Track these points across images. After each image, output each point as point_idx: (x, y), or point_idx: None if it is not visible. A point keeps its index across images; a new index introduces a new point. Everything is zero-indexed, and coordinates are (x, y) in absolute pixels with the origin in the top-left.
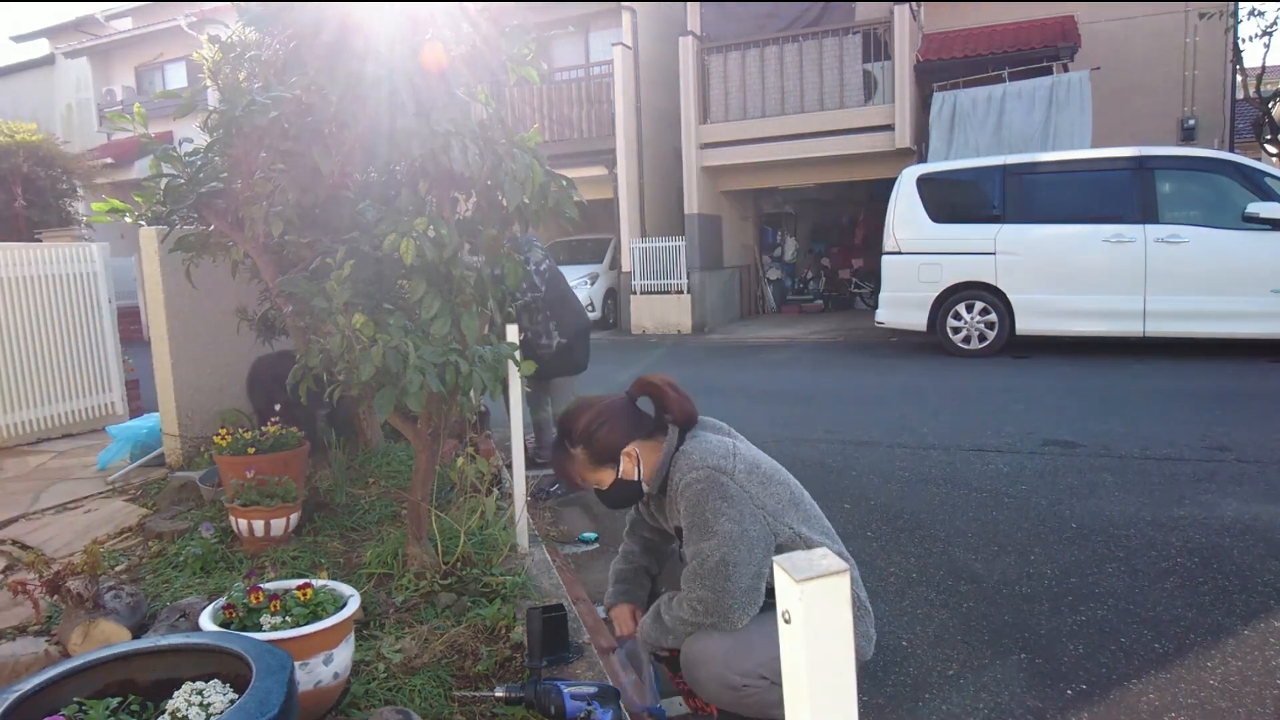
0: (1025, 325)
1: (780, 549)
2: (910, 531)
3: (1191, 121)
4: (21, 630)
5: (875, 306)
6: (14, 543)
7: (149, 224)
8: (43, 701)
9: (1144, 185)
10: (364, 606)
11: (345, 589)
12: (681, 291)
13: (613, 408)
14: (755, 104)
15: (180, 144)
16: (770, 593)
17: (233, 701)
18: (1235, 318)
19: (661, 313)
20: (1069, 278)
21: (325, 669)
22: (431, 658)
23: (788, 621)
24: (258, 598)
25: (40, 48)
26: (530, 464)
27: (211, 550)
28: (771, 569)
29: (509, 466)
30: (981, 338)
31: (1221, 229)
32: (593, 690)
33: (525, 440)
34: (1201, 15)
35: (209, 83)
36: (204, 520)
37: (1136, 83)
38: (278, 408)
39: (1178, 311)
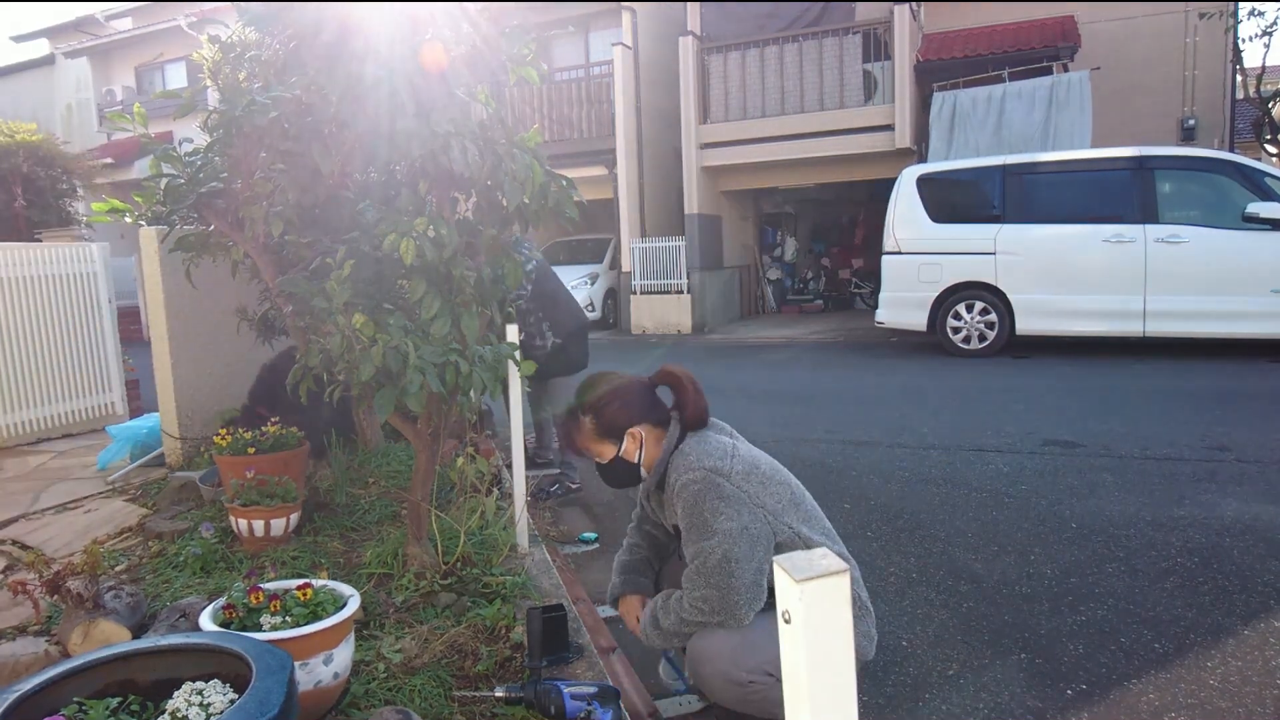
0: (1025, 325)
1: (780, 549)
2: (910, 531)
3: (1191, 121)
4: (21, 630)
5: (875, 306)
6: (14, 543)
7: (149, 224)
8: (43, 701)
9: (1144, 185)
10: (364, 606)
11: (345, 589)
12: (681, 291)
13: (630, 387)
14: (755, 104)
15: (180, 144)
16: (773, 591)
17: (233, 702)
18: (1235, 318)
19: (661, 313)
20: (1069, 278)
21: (325, 669)
22: (431, 658)
23: (788, 621)
24: (258, 598)
25: (40, 48)
26: (530, 464)
27: (211, 550)
28: (771, 568)
29: (509, 466)
30: (981, 338)
31: (1221, 229)
32: (593, 690)
33: (525, 440)
34: (1201, 15)
35: (209, 83)
36: (204, 520)
37: (1136, 83)
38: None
39: (1178, 311)
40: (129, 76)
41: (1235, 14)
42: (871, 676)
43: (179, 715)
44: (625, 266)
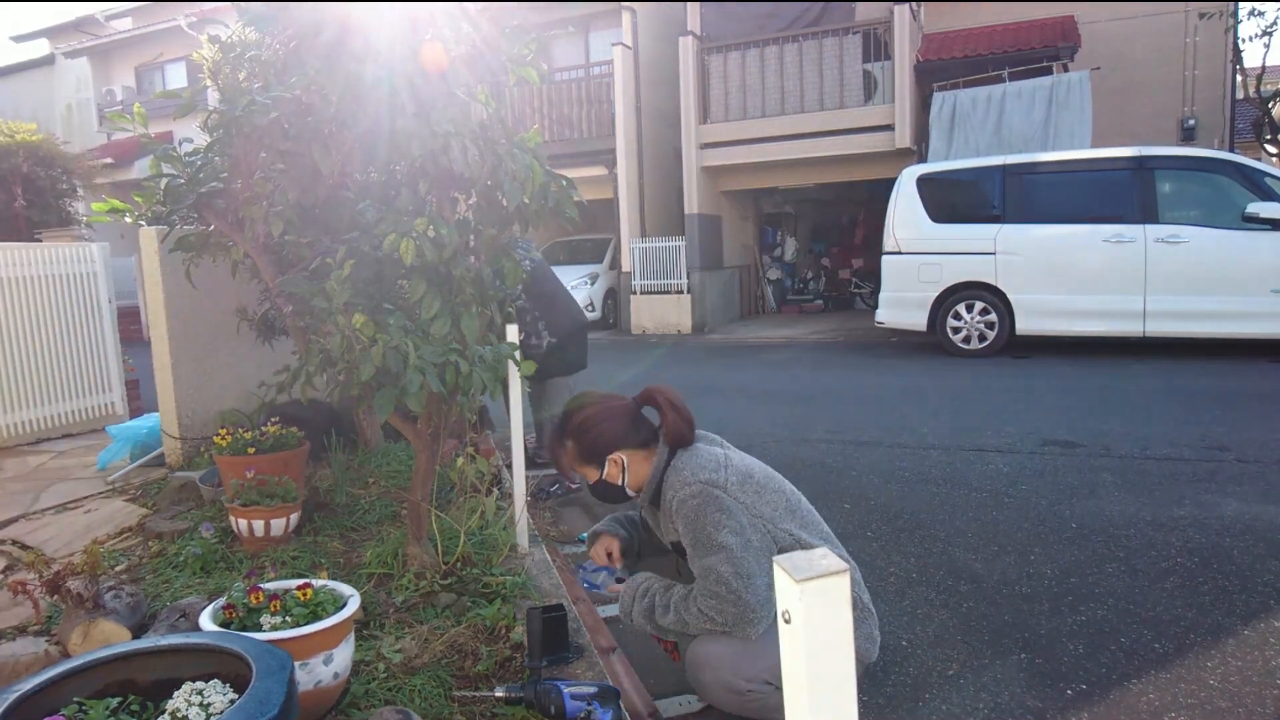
0: (1025, 325)
1: (781, 551)
2: (910, 531)
3: (1191, 121)
4: (21, 630)
5: (875, 306)
6: (14, 543)
7: (149, 224)
8: (43, 701)
9: (1144, 185)
10: (364, 606)
11: (345, 589)
12: (681, 291)
13: (612, 411)
14: (755, 104)
15: (180, 144)
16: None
17: (233, 702)
18: (1235, 318)
19: (661, 313)
20: (1069, 278)
21: (325, 669)
22: (431, 658)
23: (788, 621)
24: (258, 598)
25: (40, 48)
26: (530, 464)
27: (211, 550)
28: (771, 568)
29: (509, 466)
30: (981, 338)
31: (1221, 229)
32: (593, 690)
33: (525, 440)
34: (1201, 15)
35: (209, 83)
36: (204, 520)
37: (1136, 83)
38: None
39: (1178, 311)
40: (129, 76)
41: (1235, 14)
42: (871, 676)
43: (179, 715)
44: (625, 266)
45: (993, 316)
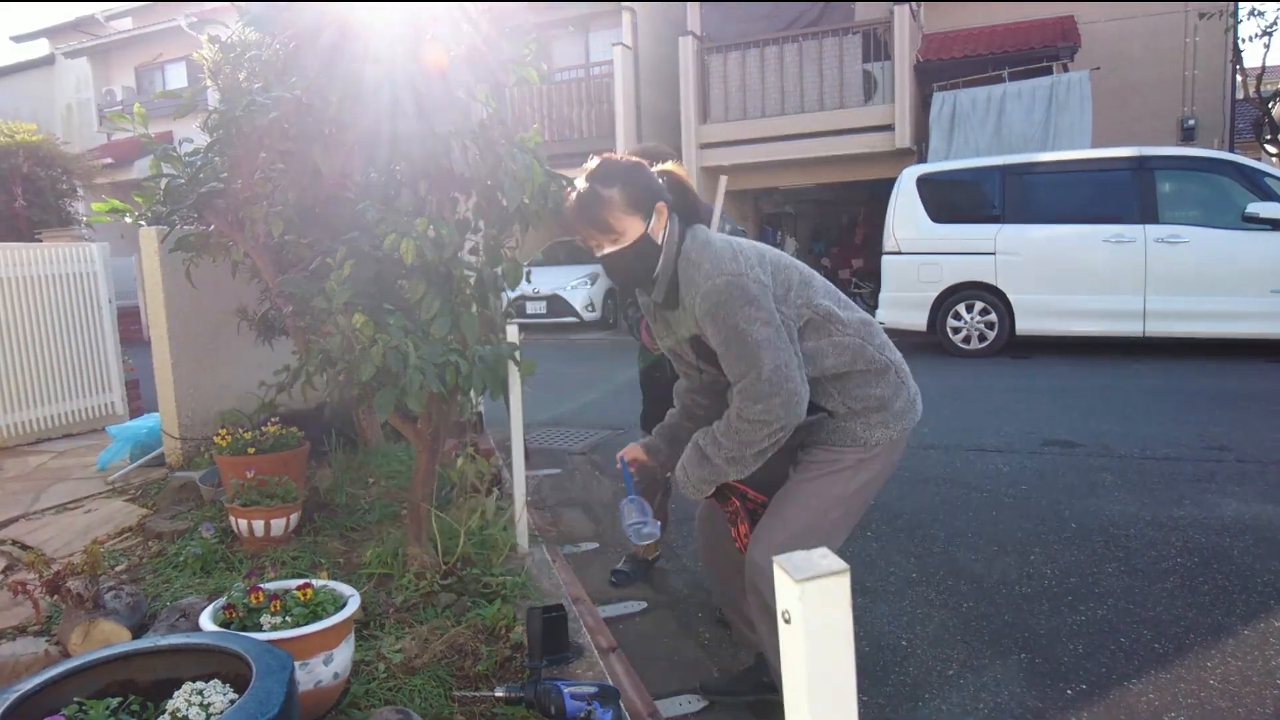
0: (1025, 325)
1: (809, 329)
2: (910, 531)
3: (1191, 121)
4: (21, 630)
5: (875, 306)
6: (14, 543)
7: (149, 224)
8: (43, 701)
9: (1144, 185)
10: (364, 606)
11: (345, 589)
12: None
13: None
14: (755, 104)
15: (180, 144)
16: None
17: (233, 702)
18: (1235, 318)
19: None
20: (1069, 278)
21: (325, 669)
22: (431, 658)
23: (788, 621)
24: (258, 598)
25: (40, 48)
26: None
27: (211, 550)
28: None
29: (509, 466)
30: (981, 338)
31: (1221, 229)
32: (593, 690)
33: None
34: (1201, 15)
35: (209, 83)
36: (204, 520)
37: (1136, 83)
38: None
39: (1178, 311)
40: (129, 76)
41: (1235, 14)
42: (871, 676)
43: (179, 715)
44: None
45: (993, 316)
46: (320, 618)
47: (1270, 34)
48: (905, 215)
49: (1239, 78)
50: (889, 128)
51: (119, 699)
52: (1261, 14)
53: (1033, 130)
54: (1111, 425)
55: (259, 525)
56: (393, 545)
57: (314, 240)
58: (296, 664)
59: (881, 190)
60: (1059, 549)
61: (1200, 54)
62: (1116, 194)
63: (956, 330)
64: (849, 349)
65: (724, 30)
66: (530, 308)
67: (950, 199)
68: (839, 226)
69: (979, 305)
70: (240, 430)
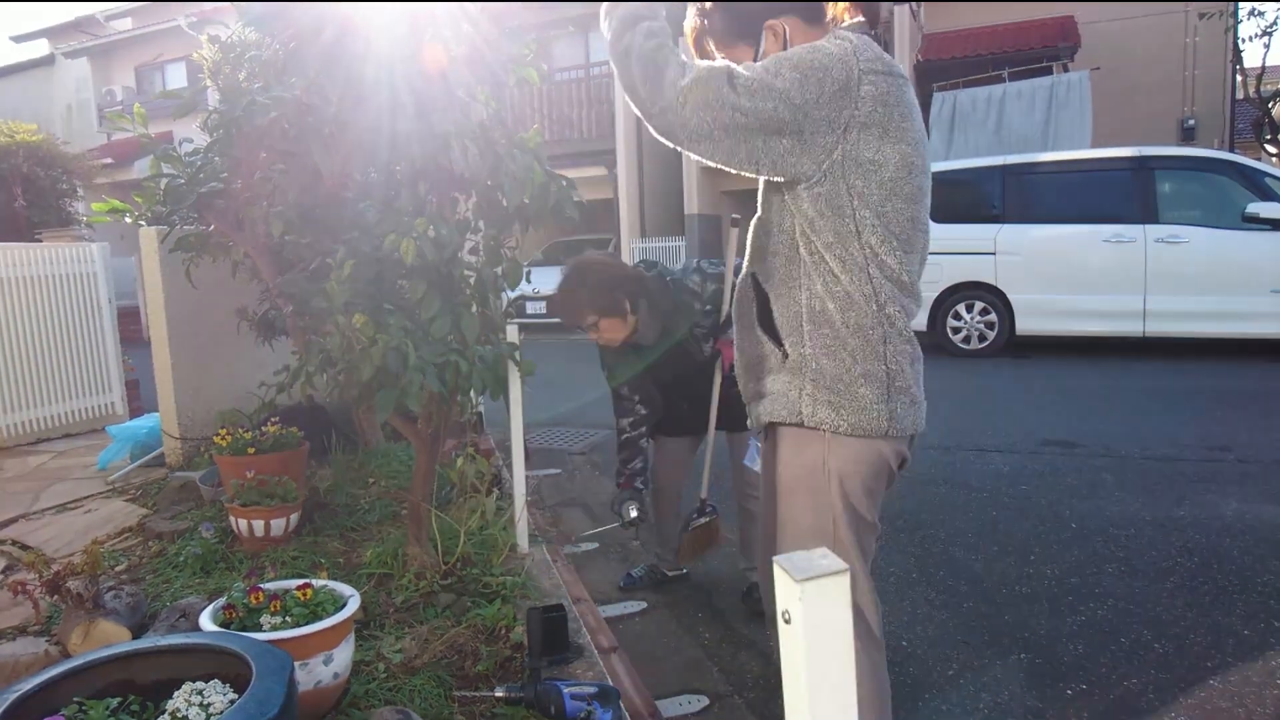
0: (1025, 325)
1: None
2: (910, 531)
3: (1191, 121)
4: (21, 630)
5: None
6: (14, 543)
7: (149, 224)
8: (43, 701)
9: (1144, 185)
10: (364, 606)
11: (345, 589)
12: None
13: None
14: None
15: (180, 144)
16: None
17: (233, 702)
18: (1235, 318)
19: None
20: (1069, 278)
21: (325, 669)
22: (431, 658)
23: (788, 621)
24: (258, 598)
25: (40, 48)
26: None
27: (211, 550)
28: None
29: (509, 466)
30: (981, 338)
31: (1221, 229)
32: (593, 690)
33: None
34: (1201, 15)
35: (209, 83)
36: (204, 520)
37: (1136, 83)
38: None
39: (1178, 311)
40: (129, 76)
41: (1235, 14)
42: None
43: (179, 715)
44: None
45: (993, 316)
46: (320, 618)
47: (1270, 34)
48: None
49: (1239, 78)
50: None
51: (119, 699)
52: (1261, 14)
53: (1033, 130)
54: (1111, 425)
55: (259, 525)
56: (393, 545)
57: (314, 240)
58: (296, 664)
59: None
60: (1059, 549)
61: (1200, 54)
62: (1116, 194)
63: (956, 330)
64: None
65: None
66: (530, 308)
67: (950, 199)
68: None
69: (979, 305)
70: (240, 430)
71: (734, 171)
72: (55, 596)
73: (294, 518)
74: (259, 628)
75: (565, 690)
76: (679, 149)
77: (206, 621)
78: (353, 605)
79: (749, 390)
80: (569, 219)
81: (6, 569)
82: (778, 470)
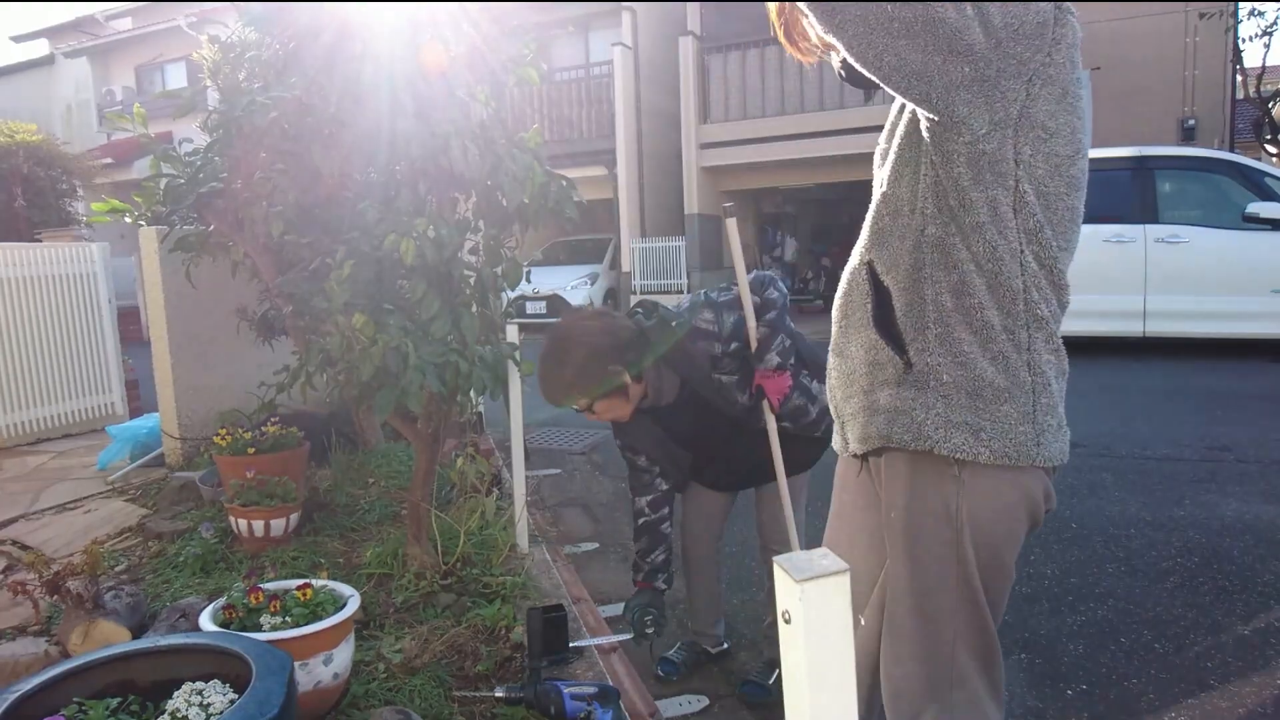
0: None
1: None
2: None
3: (1191, 121)
4: (21, 630)
5: None
6: (14, 543)
7: (149, 224)
8: (43, 701)
9: (1144, 185)
10: (364, 607)
11: (345, 589)
12: (681, 291)
13: None
14: (755, 104)
15: (180, 144)
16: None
17: (233, 702)
18: (1235, 318)
19: None
20: (1069, 277)
21: (325, 669)
22: (431, 658)
23: (788, 622)
24: (257, 598)
25: (40, 48)
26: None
27: (211, 550)
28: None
29: (509, 466)
30: None
31: (1221, 229)
32: (593, 690)
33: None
34: (1201, 15)
35: (209, 83)
36: (204, 520)
37: (1136, 83)
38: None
39: (1178, 311)
40: (129, 76)
41: (1235, 14)
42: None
43: (179, 715)
44: (625, 266)
45: None
46: (320, 618)
47: (1270, 34)
48: None
49: (1239, 78)
50: None
51: (119, 699)
52: (1261, 14)
53: None
54: (1111, 425)
55: (259, 525)
56: (393, 545)
57: (314, 240)
58: (296, 664)
59: None
60: (1059, 549)
61: (1200, 54)
62: (1116, 194)
63: None
64: None
65: (724, 30)
66: (530, 308)
67: None
68: (839, 226)
69: None
70: (240, 430)
71: (885, 87)
72: (55, 597)
73: (294, 518)
74: (259, 628)
75: (565, 690)
76: (827, 33)
77: (206, 622)
78: (352, 605)
79: (847, 406)
80: (569, 219)
81: (6, 569)
82: (888, 521)
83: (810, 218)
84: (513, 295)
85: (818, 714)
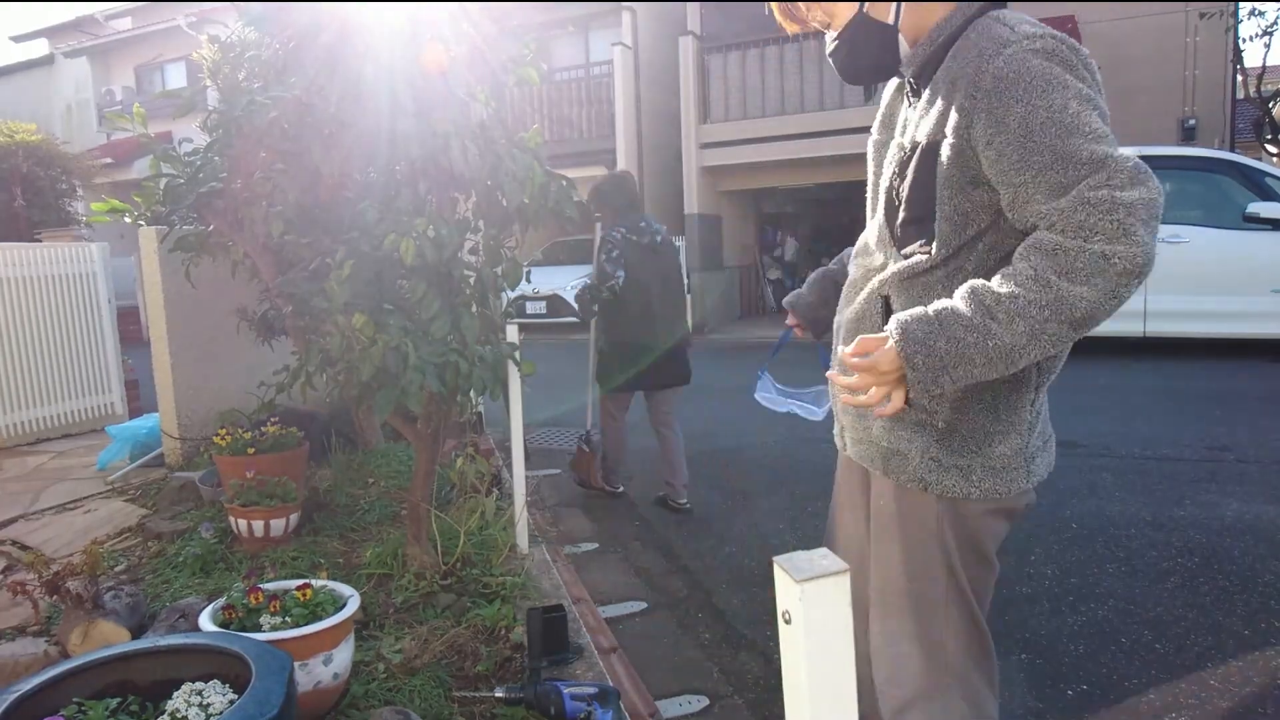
0: None
1: None
2: None
3: (1191, 121)
4: (21, 630)
5: None
6: (14, 543)
7: (149, 224)
8: (43, 701)
9: None
10: (364, 607)
11: (345, 589)
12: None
13: None
14: (755, 104)
15: (180, 144)
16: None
17: (232, 702)
18: (1235, 318)
19: None
20: None
21: (325, 669)
22: (431, 658)
23: (788, 622)
24: (257, 598)
25: (40, 48)
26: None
27: (211, 550)
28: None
29: (509, 466)
30: None
31: (1222, 229)
32: (593, 690)
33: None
34: (1201, 15)
35: (209, 83)
36: (204, 520)
37: (1137, 83)
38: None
39: (1178, 311)
40: (129, 76)
41: (1235, 14)
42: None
43: (178, 716)
44: None
45: None
46: (320, 618)
47: (1270, 34)
48: None
49: (1239, 78)
50: None
51: (118, 699)
52: (1261, 14)
53: None
54: (1111, 425)
55: (258, 525)
56: (392, 545)
57: (314, 240)
58: (296, 665)
59: None
60: (1059, 549)
61: (1200, 54)
62: None
63: None
64: None
65: (724, 30)
66: (530, 308)
67: None
68: (839, 226)
69: None
70: (240, 430)
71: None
72: (55, 597)
73: (294, 518)
74: (259, 628)
75: (565, 691)
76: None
77: (206, 622)
78: (352, 606)
79: (846, 416)
80: (569, 219)
81: (6, 569)
82: (877, 508)
83: (810, 218)
84: (513, 295)
85: (818, 713)
